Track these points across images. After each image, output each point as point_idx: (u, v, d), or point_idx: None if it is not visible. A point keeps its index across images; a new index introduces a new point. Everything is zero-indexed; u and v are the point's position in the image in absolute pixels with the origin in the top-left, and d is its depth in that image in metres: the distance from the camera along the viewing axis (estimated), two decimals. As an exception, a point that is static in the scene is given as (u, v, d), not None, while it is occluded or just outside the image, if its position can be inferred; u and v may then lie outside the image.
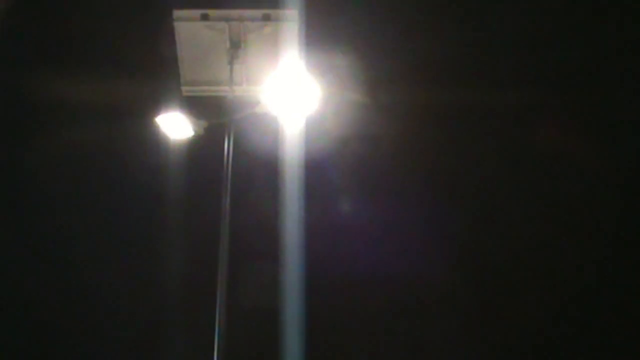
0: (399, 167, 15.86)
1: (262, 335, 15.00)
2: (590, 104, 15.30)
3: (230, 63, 11.79)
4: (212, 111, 11.78)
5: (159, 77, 12.69)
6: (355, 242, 17.46)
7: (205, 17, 11.78)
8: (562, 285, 17.55)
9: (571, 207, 16.98)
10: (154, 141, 11.99)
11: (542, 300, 17.54)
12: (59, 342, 15.50)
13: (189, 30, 11.82)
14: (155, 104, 11.82)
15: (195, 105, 11.90)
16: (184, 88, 12.31)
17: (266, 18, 11.75)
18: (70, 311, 15.69)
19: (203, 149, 11.84)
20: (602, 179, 16.48)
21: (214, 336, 9.63)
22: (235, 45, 11.79)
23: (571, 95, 14.90)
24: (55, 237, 15.55)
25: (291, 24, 11.63)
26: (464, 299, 18.35)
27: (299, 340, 14.25)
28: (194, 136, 11.72)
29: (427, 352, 18.20)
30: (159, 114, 11.64)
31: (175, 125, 11.69)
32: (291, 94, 11.05)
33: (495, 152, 15.91)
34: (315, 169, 13.14)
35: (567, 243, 17.24)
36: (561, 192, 16.83)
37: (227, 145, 11.22)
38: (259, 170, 13.18)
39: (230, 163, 11.09)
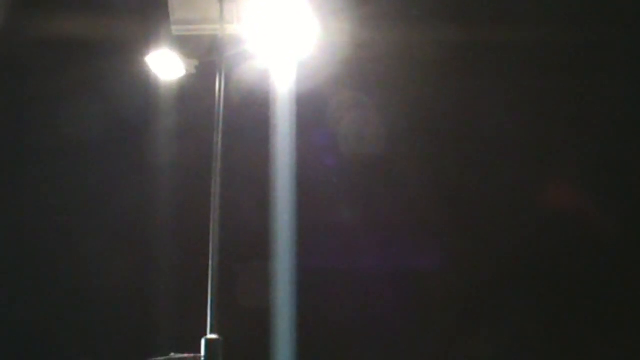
0: (395, 109, 15.87)
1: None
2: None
3: (221, 1, 11.66)
4: (202, 50, 11.70)
5: (148, 16, 12.59)
6: (346, 186, 17.57)
7: (194, -47, 11.63)
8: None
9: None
10: (144, 80, 11.95)
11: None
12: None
13: (179, -33, 11.67)
14: (145, 43, 11.74)
15: (186, 44, 11.82)
16: (174, 27, 12.16)
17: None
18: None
19: (194, 88, 11.82)
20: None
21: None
22: (225, -18, 11.65)
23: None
24: (41, 178, 15.58)
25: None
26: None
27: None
28: (184, 75, 11.67)
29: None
30: (149, 53, 11.56)
31: (165, 65, 11.62)
32: (283, 32, 11.02)
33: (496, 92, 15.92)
34: (307, 107, 13.15)
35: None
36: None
37: (219, 84, 11.17)
38: (251, 109, 13.19)
39: (222, 102, 11.06)
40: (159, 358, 9.22)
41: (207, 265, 9.80)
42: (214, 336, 9.31)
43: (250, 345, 14.91)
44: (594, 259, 17.69)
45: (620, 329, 17.50)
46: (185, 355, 9.20)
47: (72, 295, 15.75)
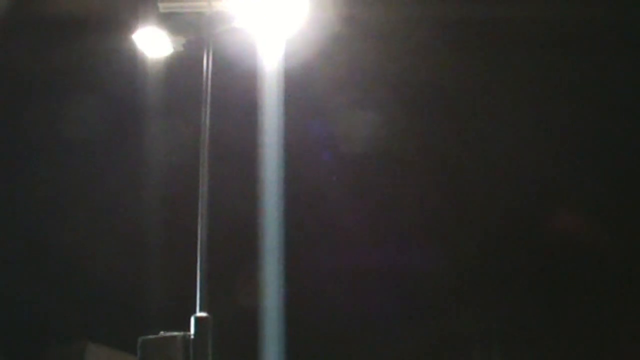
0: (385, 83, 15.82)
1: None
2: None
3: (208, -23, 11.55)
4: (190, 27, 11.61)
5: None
6: (335, 164, 17.58)
7: None
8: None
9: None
10: (131, 58, 11.87)
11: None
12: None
13: (165, -58, 11.54)
14: (132, 21, 11.64)
15: (173, 21, 11.72)
16: (161, 4, 12.04)
17: None
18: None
19: (181, 65, 11.75)
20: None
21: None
22: (212, -42, 11.53)
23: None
24: (29, 157, 15.54)
25: None
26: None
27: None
28: (172, 53, 11.59)
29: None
30: (136, 31, 11.47)
31: (153, 42, 11.53)
32: (271, 8, 10.95)
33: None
34: (295, 84, 13.10)
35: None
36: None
37: (206, 61, 11.11)
38: (239, 86, 13.13)
39: (210, 79, 11.01)
40: (149, 336, 9.23)
41: (196, 242, 9.80)
42: (203, 314, 9.33)
43: (239, 323, 14.99)
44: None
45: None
46: (175, 333, 9.21)
47: (65, 276, 15.78)
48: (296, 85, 13.16)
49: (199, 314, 9.35)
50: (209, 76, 11.03)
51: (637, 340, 17.73)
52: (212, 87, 11.01)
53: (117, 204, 15.60)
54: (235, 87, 13.16)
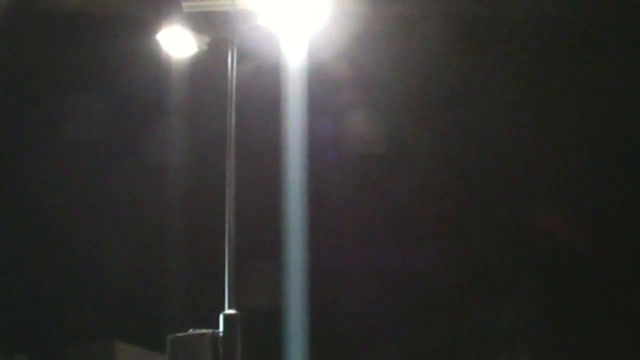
0: (406, 85, 15.78)
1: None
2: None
3: (231, -24, 11.55)
4: (214, 26, 11.63)
5: (159, -7, 12.50)
6: (358, 159, 17.54)
7: None
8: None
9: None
10: (156, 58, 11.91)
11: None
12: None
13: (189, -57, 11.57)
14: (157, 21, 11.67)
15: (197, 20, 11.74)
16: (185, 3, 12.07)
17: None
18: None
19: (206, 64, 11.77)
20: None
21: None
22: (236, -43, 11.54)
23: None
24: (55, 154, 15.60)
25: None
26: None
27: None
28: (196, 52, 11.62)
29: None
30: (160, 31, 11.51)
31: (177, 41, 11.56)
32: (294, 6, 10.95)
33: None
34: (319, 82, 13.11)
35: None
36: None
37: (230, 60, 11.13)
38: (263, 83, 13.15)
39: (234, 77, 11.02)
40: (178, 334, 9.27)
41: (224, 241, 9.82)
42: (232, 311, 9.35)
43: (262, 321, 15.01)
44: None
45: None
46: (204, 330, 9.24)
47: (92, 276, 15.86)
48: (320, 82, 13.18)
49: (228, 311, 9.37)
50: (234, 74, 11.05)
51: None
52: (236, 85, 11.02)
53: (143, 203, 15.66)
54: (259, 85, 13.18)
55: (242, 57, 11.37)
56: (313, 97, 12.78)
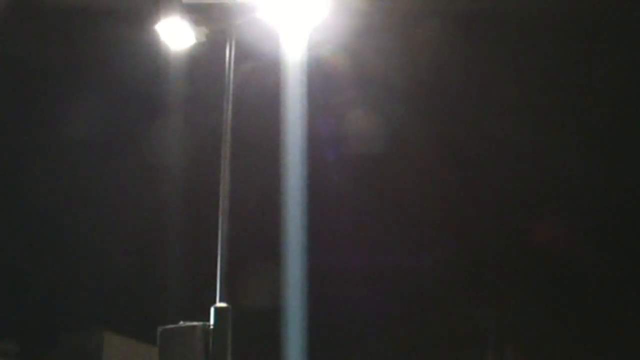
0: (407, 77, 15.71)
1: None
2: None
3: (231, -33, 11.50)
4: (213, 18, 11.58)
5: (158, -16, 12.42)
6: (357, 156, 17.47)
7: None
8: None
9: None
10: (154, 49, 11.86)
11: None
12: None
13: None
14: (156, 12, 11.62)
15: (196, 12, 11.68)
16: (184, -6, 12.03)
17: None
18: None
19: (204, 56, 11.72)
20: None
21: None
22: (236, -51, 11.48)
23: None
24: (53, 148, 15.58)
25: None
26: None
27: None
28: (195, 43, 11.57)
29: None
30: (159, 22, 11.46)
31: (175, 33, 11.51)
32: (295, 0, 10.91)
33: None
34: (319, 77, 13.05)
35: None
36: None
37: (229, 52, 11.09)
38: (262, 77, 13.10)
39: (232, 70, 10.98)
40: (168, 326, 9.23)
41: (217, 234, 9.79)
42: (223, 305, 9.31)
43: (259, 314, 14.97)
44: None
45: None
46: (195, 323, 9.20)
47: (84, 266, 15.83)
48: (319, 77, 13.12)
49: (219, 304, 9.33)
50: (232, 67, 11.01)
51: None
52: (234, 78, 10.97)
53: (138, 196, 15.62)
54: (258, 78, 13.13)
55: (241, 50, 11.32)
56: (312, 92, 12.72)
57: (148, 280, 15.71)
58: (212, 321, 9.21)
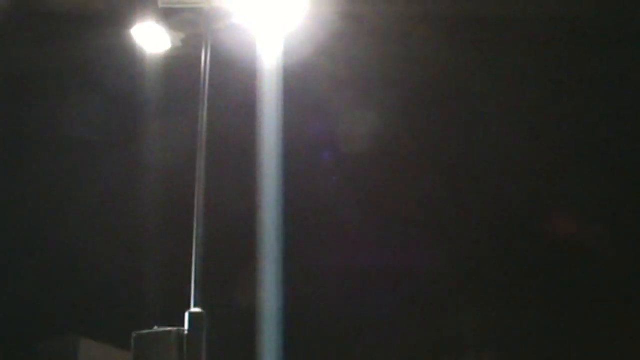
0: (384, 81, 15.75)
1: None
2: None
3: (207, -28, 11.50)
4: (189, 22, 11.58)
5: (134, -12, 12.41)
6: (334, 163, 17.52)
7: None
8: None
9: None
10: (130, 53, 11.84)
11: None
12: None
13: (165, -62, 11.50)
14: (131, 16, 11.61)
15: (172, 17, 11.68)
16: (160, 0, 12.02)
17: None
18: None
19: (180, 61, 11.71)
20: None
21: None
22: (211, -46, 11.49)
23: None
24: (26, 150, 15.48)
25: None
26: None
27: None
28: (170, 48, 11.57)
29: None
30: (135, 26, 11.45)
31: (151, 37, 11.51)
32: (270, 4, 10.93)
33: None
34: (295, 80, 13.05)
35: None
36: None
37: (205, 57, 11.08)
38: (238, 82, 13.10)
39: (208, 76, 10.97)
40: (142, 331, 9.20)
41: (192, 239, 9.77)
42: (197, 310, 9.30)
43: (234, 320, 14.94)
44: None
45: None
46: (169, 328, 9.18)
47: (58, 272, 15.73)
48: (295, 82, 13.13)
49: (194, 309, 9.32)
50: (207, 72, 11.00)
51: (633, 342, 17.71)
52: (210, 83, 10.96)
53: (114, 201, 15.56)
54: (234, 84, 13.12)
55: (217, 55, 11.31)
56: (289, 96, 12.74)
57: (124, 286, 15.65)
58: (186, 326, 9.19)
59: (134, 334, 9.18)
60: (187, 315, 9.24)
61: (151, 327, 9.25)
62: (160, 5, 12.01)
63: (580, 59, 15.83)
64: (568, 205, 18.67)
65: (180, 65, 11.79)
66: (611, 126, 17.16)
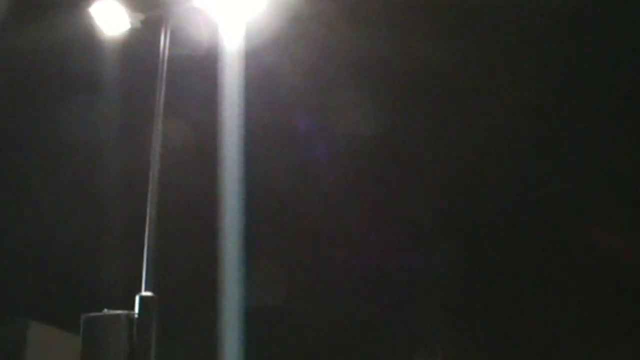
0: (348, 65, 15.71)
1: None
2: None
3: (168, -48, 11.36)
4: (148, 4, 11.43)
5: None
6: (299, 141, 17.46)
7: None
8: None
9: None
10: (88, 33, 11.66)
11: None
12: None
13: None
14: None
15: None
16: (120, -22, 11.82)
17: None
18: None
19: (139, 42, 11.55)
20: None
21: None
22: None
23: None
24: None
25: None
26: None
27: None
28: (129, 29, 11.40)
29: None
30: (93, 4, 11.27)
31: (110, 17, 11.33)
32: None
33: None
34: (255, 64, 12.98)
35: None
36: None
37: (164, 40, 10.95)
38: (198, 66, 12.98)
39: (166, 58, 10.85)
40: (91, 314, 9.11)
41: (145, 221, 9.69)
42: (148, 293, 9.23)
43: (186, 303, 14.87)
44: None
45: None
46: (119, 312, 9.09)
47: (11, 253, 15.54)
48: (256, 65, 13.05)
49: (144, 293, 9.24)
50: (166, 54, 10.88)
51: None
52: (169, 66, 10.85)
53: (67, 185, 15.37)
54: (194, 67, 13.00)
55: (177, 37, 11.19)
56: (249, 80, 12.65)
57: (76, 269, 15.49)
58: (137, 310, 9.11)
59: (82, 317, 9.09)
60: (137, 298, 9.16)
61: (100, 310, 9.16)
62: (120, -16, 11.85)
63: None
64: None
65: (139, 47, 11.65)
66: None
